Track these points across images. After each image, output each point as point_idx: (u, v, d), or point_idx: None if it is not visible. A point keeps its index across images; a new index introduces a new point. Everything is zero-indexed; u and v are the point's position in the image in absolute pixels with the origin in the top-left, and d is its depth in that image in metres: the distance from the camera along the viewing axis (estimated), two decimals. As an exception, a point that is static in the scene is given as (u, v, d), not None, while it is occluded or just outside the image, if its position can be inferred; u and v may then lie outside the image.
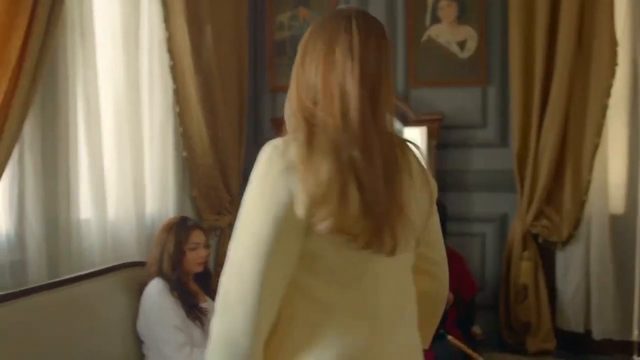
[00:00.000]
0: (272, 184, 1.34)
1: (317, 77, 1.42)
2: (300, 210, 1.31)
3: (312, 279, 1.37)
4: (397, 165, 1.41)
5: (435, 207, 1.59)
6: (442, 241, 1.70)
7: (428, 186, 1.53)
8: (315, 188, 1.30)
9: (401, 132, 4.74)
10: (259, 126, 5.36)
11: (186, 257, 2.62)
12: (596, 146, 4.24)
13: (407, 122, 4.71)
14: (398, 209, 1.38)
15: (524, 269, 4.45)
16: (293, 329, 1.38)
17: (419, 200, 1.49)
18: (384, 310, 1.42)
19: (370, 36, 1.41)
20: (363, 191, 1.33)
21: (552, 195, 4.42)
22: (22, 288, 2.35)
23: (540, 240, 4.47)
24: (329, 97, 1.40)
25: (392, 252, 1.37)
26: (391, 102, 1.46)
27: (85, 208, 3.46)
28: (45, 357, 2.08)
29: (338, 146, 1.35)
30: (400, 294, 1.48)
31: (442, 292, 1.73)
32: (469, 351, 2.69)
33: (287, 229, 1.32)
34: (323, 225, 1.30)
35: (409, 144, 1.52)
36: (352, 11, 1.46)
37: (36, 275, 3.06)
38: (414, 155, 1.50)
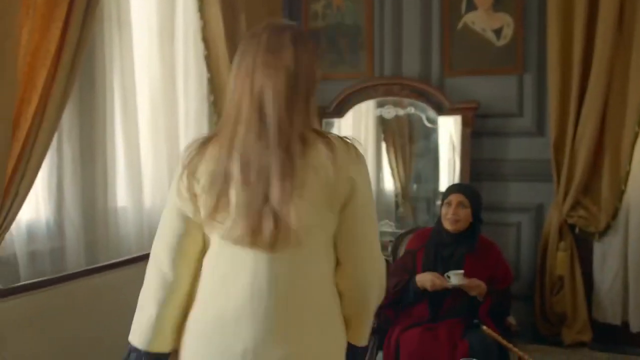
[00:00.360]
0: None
1: (230, 91, 1.60)
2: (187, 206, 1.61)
3: (208, 257, 1.64)
4: (283, 169, 1.49)
5: (355, 203, 1.57)
6: (363, 239, 1.63)
7: (340, 181, 1.54)
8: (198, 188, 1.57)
9: (433, 120, 4.72)
10: (293, 115, 5.36)
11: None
12: (636, 135, 4.14)
13: (441, 111, 4.67)
14: (275, 208, 1.49)
15: (560, 259, 4.40)
16: (200, 285, 1.64)
17: (319, 195, 1.52)
18: (263, 302, 1.53)
19: (269, 53, 1.55)
20: (236, 195, 1.51)
21: (589, 185, 4.35)
22: (61, 274, 2.39)
23: (576, 230, 4.41)
24: (227, 112, 1.60)
25: (271, 248, 1.50)
26: (301, 106, 1.55)
27: (122, 196, 3.52)
28: (82, 341, 2.13)
29: (221, 156, 1.54)
30: (292, 289, 1.55)
31: (359, 293, 1.64)
32: (504, 342, 2.66)
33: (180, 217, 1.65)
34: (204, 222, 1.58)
35: (338, 139, 1.57)
36: (262, 29, 1.61)
37: (75, 262, 3.13)
38: (329, 151, 1.53)
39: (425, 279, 2.82)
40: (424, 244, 3.04)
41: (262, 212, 1.50)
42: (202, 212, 1.57)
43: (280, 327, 1.53)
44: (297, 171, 1.50)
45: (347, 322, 1.66)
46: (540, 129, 4.59)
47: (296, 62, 1.55)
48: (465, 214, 2.93)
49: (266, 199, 1.50)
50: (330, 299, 1.62)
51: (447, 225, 2.95)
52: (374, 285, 1.65)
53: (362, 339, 1.71)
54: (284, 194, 1.49)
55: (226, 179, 1.53)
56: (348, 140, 1.60)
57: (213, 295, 1.59)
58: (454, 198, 2.94)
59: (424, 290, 2.82)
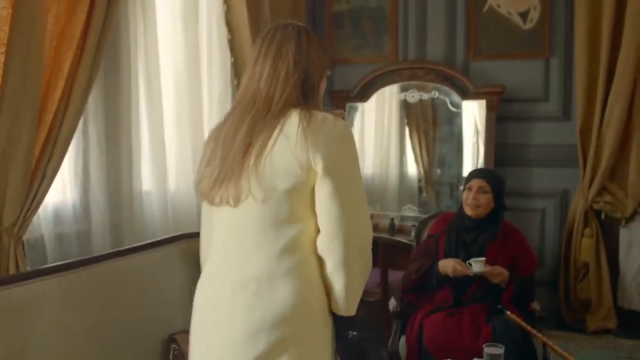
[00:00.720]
0: None
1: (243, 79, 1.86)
2: None
3: None
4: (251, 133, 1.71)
5: (322, 177, 1.66)
6: (329, 215, 1.69)
7: (307, 150, 1.66)
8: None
9: (457, 104, 4.68)
10: (317, 99, 5.35)
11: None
12: (665, 120, 4.08)
13: (466, 95, 4.63)
14: (237, 169, 1.71)
15: (585, 246, 4.35)
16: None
17: (289, 160, 1.67)
18: (232, 250, 1.76)
19: (273, 45, 1.77)
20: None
21: (616, 170, 4.29)
22: (87, 256, 2.42)
23: (602, 216, 4.36)
24: (235, 99, 1.89)
25: (235, 203, 1.72)
26: (295, 88, 1.74)
27: (146, 180, 3.54)
28: (107, 322, 2.15)
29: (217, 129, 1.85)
30: (254, 238, 1.72)
31: (329, 265, 1.72)
32: (528, 327, 2.65)
33: None
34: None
35: (323, 115, 1.71)
36: (271, 27, 1.84)
37: (100, 244, 3.17)
38: (303, 121, 1.67)
39: (447, 265, 2.81)
40: (445, 229, 3.02)
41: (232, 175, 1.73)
42: None
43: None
44: (266, 136, 1.68)
45: (327, 292, 1.75)
46: (566, 113, 4.53)
47: (298, 51, 1.75)
48: (486, 199, 2.89)
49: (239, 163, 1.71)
50: (301, 259, 1.71)
51: (468, 210, 2.92)
52: (347, 261, 1.70)
53: (341, 310, 1.76)
54: (248, 157, 1.69)
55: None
56: (332, 117, 1.71)
57: None
58: (475, 183, 2.90)
59: (446, 276, 2.81)
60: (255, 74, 1.78)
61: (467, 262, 2.80)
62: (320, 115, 1.70)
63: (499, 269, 2.79)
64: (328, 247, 1.70)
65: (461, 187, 3.85)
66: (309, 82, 1.78)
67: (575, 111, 4.37)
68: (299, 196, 1.69)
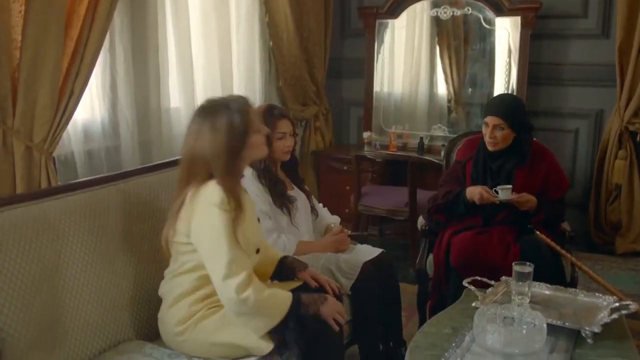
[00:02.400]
0: None
1: None
2: None
3: None
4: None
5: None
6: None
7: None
8: None
9: (490, 21, 4.54)
10: (346, 15, 5.23)
11: (273, 146, 2.63)
12: None
13: (500, 11, 4.48)
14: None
15: (618, 167, 4.28)
16: None
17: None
18: None
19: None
20: None
21: (654, 90, 4.17)
22: (116, 172, 2.44)
23: (638, 138, 4.26)
24: None
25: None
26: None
27: (174, 97, 3.53)
28: (134, 236, 2.19)
29: None
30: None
31: None
32: (557, 247, 2.63)
33: None
34: None
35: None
36: None
37: (129, 160, 3.19)
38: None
39: (474, 192, 2.76)
40: (472, 156, 2.96)
41: None
42: None
43: None
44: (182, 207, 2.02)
45: None
46: (605, 30, 4.36)
47: (196, 136, 2.00)
48: (503, 135, 2.78)
49: None
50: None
51: (488, 146, 2.84)
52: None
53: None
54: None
55: None
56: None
57: None
58: (490, 121, 2.79)
59: (474, 203, 2.77)
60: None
61: (493, 190, 2.75)
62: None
63: (526, 196, 2.73)
64: None
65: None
66: (209, 163, 2.04)
67: (614, 28, 4.20)
68: None
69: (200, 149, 1.98)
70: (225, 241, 1.94)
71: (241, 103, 2.04)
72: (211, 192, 1.96)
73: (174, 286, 2.08)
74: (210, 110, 2.01)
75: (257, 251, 2.17)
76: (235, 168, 2.02)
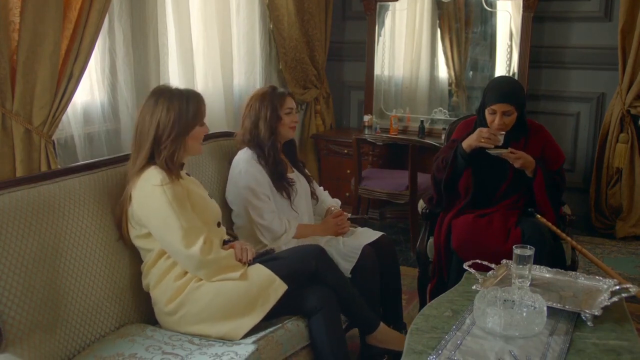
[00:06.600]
0: None
1: None
2: None
3: None
4: None
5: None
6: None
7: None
8: None
9: (492, 3, 4.51)
10: (346, -3, 5.21)
11: (282, 121, 2.66)
12: None
13: (502, -7, 4.45)
14: None
15: (619, 151, 4.27)
16: None
17: None
18: None
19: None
20: None
21: (656, 73, 4.15)
22: (116, 155, 2.44)
23: (639, 122, 4.25)
24: None
25: None
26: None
27: (174, 79, 3.51)
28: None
29: None
30: None
31: None
32: (558, 230, 2.63)
33: None
34: None
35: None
36: None
37: (129, 143, 3.17)
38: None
39: (471, 137, 2.74)
40: (469, 133, 2.94)
41: None
42: None
43: None
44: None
45: None
46: (607, 13, 4.34)
47: (152, 112, 2.14)
48: (511, 119, 2.77)
49: None
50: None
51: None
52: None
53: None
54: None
55: None
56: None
57: None
58: (499, 108, 2.75)
59: (471, 154, 2.72)
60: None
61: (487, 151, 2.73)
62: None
63: (520, 153, 2.72)
64: None
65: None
66: (154, 144, 2.17)
67: (618, 10, 4.17)
68: None
69: (152, 124, 2.13)
70: (174, 214, 2.07)
71: (197, 95, 2.24)
72: (151, 176, 2.09)
73: (152, 275, 2.16)
74: (169, 94, 2.17)
75: (219, 224, 2.31)
76: (176, 151, 2.14)
